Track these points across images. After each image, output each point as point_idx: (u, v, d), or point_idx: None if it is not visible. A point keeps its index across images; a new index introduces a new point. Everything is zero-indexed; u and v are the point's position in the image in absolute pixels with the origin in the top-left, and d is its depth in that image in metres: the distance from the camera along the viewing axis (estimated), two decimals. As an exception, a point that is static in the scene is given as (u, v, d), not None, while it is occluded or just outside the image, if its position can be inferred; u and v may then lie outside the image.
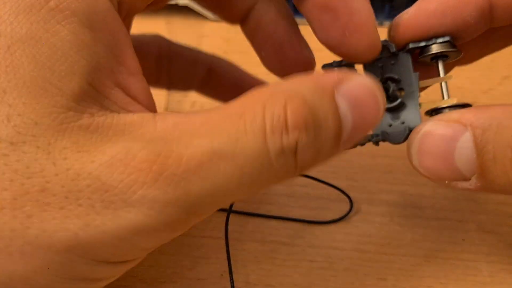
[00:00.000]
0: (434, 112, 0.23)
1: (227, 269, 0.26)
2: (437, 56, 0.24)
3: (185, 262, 0.27)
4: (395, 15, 0.39)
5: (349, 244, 0.28)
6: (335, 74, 0.20)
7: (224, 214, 0.28)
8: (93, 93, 0.18)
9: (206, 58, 0.32)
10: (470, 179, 0.21)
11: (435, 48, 0.23)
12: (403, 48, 0.24)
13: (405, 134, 0.23)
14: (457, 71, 0.37)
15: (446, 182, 0.21)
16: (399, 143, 0.23)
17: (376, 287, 0.27)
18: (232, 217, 0.29)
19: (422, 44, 0.23)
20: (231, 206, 0.28)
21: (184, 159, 0.17)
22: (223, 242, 0.27)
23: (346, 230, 0.29)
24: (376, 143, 0.24)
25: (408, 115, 0.23)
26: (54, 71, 0.18)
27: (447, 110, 0.23)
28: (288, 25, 0.26)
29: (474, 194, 0.30)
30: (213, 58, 0.32)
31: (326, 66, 0.24)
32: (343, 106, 0.19)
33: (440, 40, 0.23)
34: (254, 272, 0.27)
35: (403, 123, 0.23)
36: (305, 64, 0.26)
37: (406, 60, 0.24)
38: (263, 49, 0.27)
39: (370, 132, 0.23)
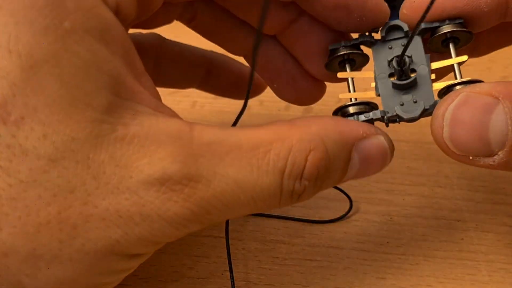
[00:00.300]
0: (448, 89, 0.23)
1: (227, 268, 0.26)
2: (448, 38, 0.23)
3: (186, 261, 0.27)
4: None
5: (348, 243, 0.28)
6: (361, 129, 0.22)
7: (225, 214, 0.28)
8: (122, 103, 0.19)
9: (205, 55, 0.32)
10: (496, 154, 0.21)
11: (446, 28, 0.23)
12: (415, 29, 0.23)
13: (421, 111, 0.23)
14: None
15: (471, 158, 0.21)
16: (414, 120, 0.23)
17: (375, 286, 0.27)
18: (232, 216, 0.29)
19: (435, 25, 0.23)
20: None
21: (211, 186, 0.19)
22: (223, 241, 0.27)
23: (346, 230, 0.29)
24: (387, 124, 0.23)
25: (421, 94, 0.23)
26: (80, 89, 0.18)
27: (460, 86, 0.22)
28: (294, 60, 0.27)
29: (473, 194, 0.30)
30: (212, 54, 0.32)
31: (333, 46, 0.25)
32: (355, 159, 0.22)
33: (452, 21, 0.23)
34: (254, 271, 0.27)
35: (415, 102, 0.23)
36: (317, 91, 0.28)
37: (418, 41, 0.24)
38: (275, 82, 0.28)
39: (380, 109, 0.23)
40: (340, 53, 0.24)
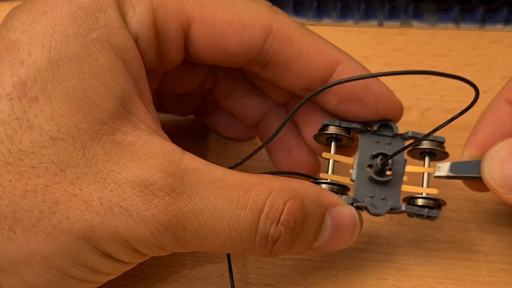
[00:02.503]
0: (411, 199, 0.25)
1: (227, 269, 0.26)
2: (426, 152, 0.26)
3: (186, 261, 0.27)
4: (395, 15, 0.39)
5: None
6: (335, 197, 0.24)
7: (224, 214, 0.28)
8: (126, 115, 0.21)
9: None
10: None
11: (427, 144, 0.26)
12: (402, 134, 0.26)
13: (387, 210, 0.25)
14: (456, 71, 0.37)
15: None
16: (379, 215, 0.25)
17: (376, 286, 0.27)
18: (232, 216, 0.29)
19: (420, 135, 0.26)
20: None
21: (191, 202, 0.21)
22: (223, 241, 0.27)
23: (346, 230, 0.29)
24: (358, 208, 0.25)
25: (391, 193, 0.25)
26: (93, 90, 0.21)
27: (420, 200, 0.25)
28: (296, 130, 0.29)
29: (473, 194, 0.30)
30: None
31: (328, 122, 0.26)
32: (328, 222, 0.24)
33: (435, 139, 0.26)
34: (254, 271, 0.27)
35: (383, 198, 0.25)
36: (310, 166, 0.29)
37: (401, 145, 0.26)
38: (274, 151, 0.29)
39: (350, 200, 0.25)
40: (329, 132, 0.26)
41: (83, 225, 0.20)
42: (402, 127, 0.27)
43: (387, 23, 0.39)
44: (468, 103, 0.33)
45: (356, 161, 0.26)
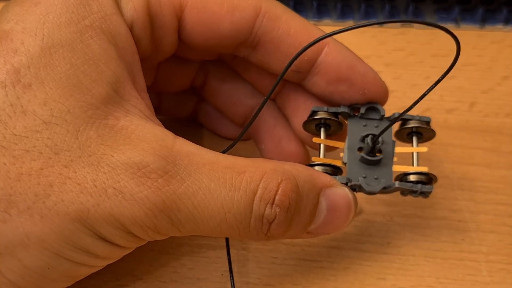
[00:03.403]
0: (404, 176, 0.26)
1: (227, 269, 0.26)
2: (413, 132, 0.27)
3: (186, 261, 0.27)
4: (395, 15, 0.39)
5: (348, 244, 0.28)
6: (328, 178, 0.24)
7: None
8: (119, 100, 0.22)
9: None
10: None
11: (413, 123, 0.26)
12: (389, 116, 0.26)
13: (381, 187, 0.25)
14: (456, 71, 0.37)
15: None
16: (373, 194, 0.25)
17: (376, 286, 0.27)
18: (232, 216, 0.29)
19: (408, 117, 0.26)
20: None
21: (185, 184, 0.21)
22: (223, 241, 0.27)
23: (346, 230, 0.29)
24: (353, 188, 0.25)
25: (383, 173, 0.25)
26: (86, 75, 0.21)
27: (413, 176, 0.25)
28: (285, 121, 0.29)
29: (473, 194, 0.30)
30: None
31: (316, 108, 0.26)
32: (323, 204, 0.24)
33: (421, 119, 0.26)
34: (254, 271, 0.27)
35: (376, 178, 0.25)
36: (300, 158, 0.29)
37: (389, 129, 0.26)
38: (264, 143, 0.29)
39: (344, 181, 0.25)
40: (318, 117, 0.26)
41: (78, 207, 0.20)
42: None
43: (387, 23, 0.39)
44: (468, 103, 0.33)
45: (346, 145, 0.26)
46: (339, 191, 0.24)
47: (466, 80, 0.36)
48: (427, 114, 0.31)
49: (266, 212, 0.22)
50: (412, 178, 0.25)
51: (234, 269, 0.27)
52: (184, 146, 0.22)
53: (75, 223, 0.20)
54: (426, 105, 0.35)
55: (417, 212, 0.30)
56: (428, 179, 0.25)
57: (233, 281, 0.26)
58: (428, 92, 0.24)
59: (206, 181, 0.21)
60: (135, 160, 0.20)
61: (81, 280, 0.26)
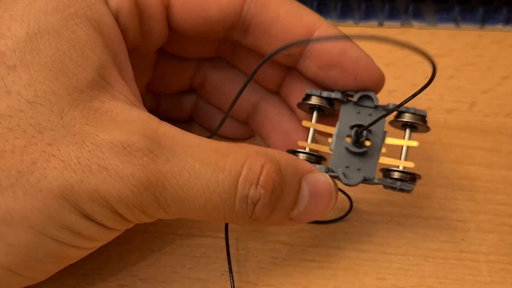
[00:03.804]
0: (387, 171, 0.26)
1: (227, 269, 0.26)
2: (407, 125, 0.26)
3: (186, 261, 0.27)
4: (395, 15, 0.39)
5: (348, 244, 0.28)
6: (309, 165, 0.24)
7: (224, 214, 0.28)
8: (104, 85, 0.22)
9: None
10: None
11: (408, 117, 0.26)
12: (384, 105, 0.26)
13: (359, 180, 0.25)
14: (456, 71, 0.37)
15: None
16: (350, 185, 0.25)
17: (376, 286, 0.27)
18: (232, 216, 0.29)
19: (403, 109, 0.26)
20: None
21: (170, 163, 0.21)
22: (223, 241, 0.27)
23: (346, 230, 0.29)
24: (332, 177, 0.25)
25: (367, 165, 0.25)
26: (71, 60, 0.21)
27: (396, 173, 0.25)
28: (290, 113, 0.29)
29: (473, 194, 0.30)
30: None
31: (310, 92, 0.26)
32: (305, 189, 0.24)
33: (417, 112, 0.26)
34: (254, 271, 0.27)
35: (358, 169, 0.25)
36: None
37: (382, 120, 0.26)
38: (271, 138, 0.30)
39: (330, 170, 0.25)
40: (311, 102, 0.26)
41: (61, 184, 0.20)
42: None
43: (387, 23, 0.39)
44: (468, 103, 0.33)
45: (335, 131, 0.26)
46: (321, 177, 0.24)
47: (466, 80, 0.36)
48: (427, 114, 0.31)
49: (250, 193, 0.22)
50: (395, 175, 0.25)
51: (234, 269, 0.27)
52: (169, 129, 0.22)
53: (58, 199, 0.20)
54: (426, 104, 0.35)
55: (417, 212, 0.30)
56: (411, 178, 0.25)
57: (233, 281, 0.26)
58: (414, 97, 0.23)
59: (191, 161, 0.21)
60: (120, 139, 0.21)
61: (81, 280, 0.26)
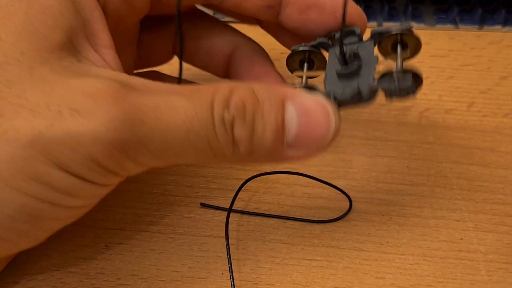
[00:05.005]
0: (385, 75, 0.23)
1: (227, 268, 0.26)
2: (397, 42, 0.25)
3: (186, 261, 0.28)
4: (395, 15, 0.39)
5: (348, 243, 0.28)
6: (296, 90, 0.23)
7: (225, 214, 0.28)
8: (73, 49, 0.22)
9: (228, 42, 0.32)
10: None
11: (395, 30, 0.24)
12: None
13: (354, 91, 0.23)
14: (455, 71, 0.37)
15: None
16: (345, 99, 0.24)
17: (375, 285, 0.27)
18: (233, 216, 0.29)
19: (384, 29, 0.25)
20: (231, 205, 0.28)
21: (145, 98, 0.21)
22: (223, 241, 0.27)
23: (345, 229, 0.29)
24: (333, 99, 0.24)
25: (361, 82, 0.24)
26: (42, 22, 0.21)
27: (396, 74, 0.23)
28: (263, 58, 0.29)
29: (472, 194, 0.30)
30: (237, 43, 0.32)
31: (295, 47, 0.26)
32: (291, 110, 0.22)
33: (402, 25, 0.24)
34: (254, 271, 0.27)
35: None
36: None
37: (369, 47, 0.25)
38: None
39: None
40: (301, 49, 0.26)
41: (29, 132, 0.19)
42: (400, 127, 0.27)
43: (386, 24, 0.39)
44: (467, 103, 0.33)
45: (325, 73, 0.25)
46: (309, 96, 0.22)
47: (464, 80, 0.36)
48: (426, 114, 0.31)
49: (225, 116, 0.21)
50: (393, 75, 0.23)
51: (234, 268, 0.27)
52: (140, 78, 0.22)
53: (26, 149, 0.19)
54: (425, 105, 0.35)
55: (416, 212, 0.30)
56: (413, 75, 0.23)
57: (233, 280, 0.26)
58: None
59: (166, 95, 0.21)
60: (91, 82, 0.20)
61: (81, 279, 0.27)
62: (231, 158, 0.22)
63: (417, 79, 0.24)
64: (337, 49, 0.25)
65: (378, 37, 0.25)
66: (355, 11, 0.26)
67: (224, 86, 0.22)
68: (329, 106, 0.22)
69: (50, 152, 0.19)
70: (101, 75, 0.21)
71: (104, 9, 0.24)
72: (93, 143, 0.19)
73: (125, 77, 0.22)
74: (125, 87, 0.20)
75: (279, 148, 0.22)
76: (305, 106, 0.22)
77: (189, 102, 0.21)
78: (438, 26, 0.39)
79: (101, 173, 0.20)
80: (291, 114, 0.22)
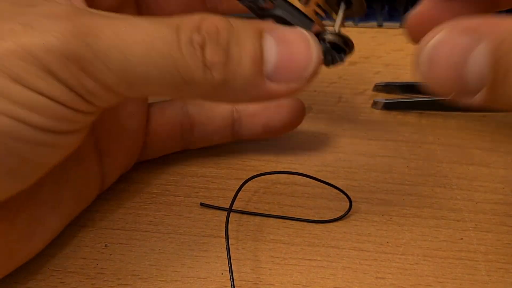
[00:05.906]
0: (318, 34, 0.23)
1: (227, 268, 0.26)
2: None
3: (186, 261, 0.28)
4: (395, 16, 0.39)
5: (348, 243, 0.28)
6: (273, 23, 0.22)
7: (224, 213, 0.28)
8: None
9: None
10: (476, 94, 0.19)
11: None
12: None
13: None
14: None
15: (452, 94, 0.20)
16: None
17: (375, 285, 0.27)
18: (232, 216, 0.29)
19: None
20: (231, 205, 0.28)
21: (101, 15, 0.20)
22: (223, 241, 0.27)
23: (345, 229, 0.29)
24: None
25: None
26: None
27: (329, 35, 0.23)
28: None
29: (472, 194, 0.30)
30: None
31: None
32: (269, 40, 0.21)
33: None
34: (254, 271, 0.27)
35: None
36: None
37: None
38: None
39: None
40: None
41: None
42: (400, 127, 0.27)
43: (387, 24, 0.39)
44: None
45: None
46: (288, 28, 0.22)
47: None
48: (425, 114, 0.31)
49: (194, 38, 0.20)
50: (327, 36, 0.23)
51: (234, 268, 0.27)
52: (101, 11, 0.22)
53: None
54: (425, 105, 0.35)
55: (416, 212, 0.30)
56: (343, 42, 0.23)
57: (233, 281, 0.26)
58: None
59: (125, 16, 0.21)
60: (48, 6, 0.20)
61: (81, 279, 0.27)
62: (204, 85, 0.21)
63: (347, 46, 0.23)
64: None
65: None
66: None
67: (195, 15, 0.21)
68: (309, 36, 0.21)
69: (4, 64, 0.19)
70: (60, 3, 0.21)
71: None
72: (46, 54, 0.19)
73: (85, 6, 0.22)
74: (81, 11, 0.21)
75: (258, 79, 0.21)
76: (284, 35, 0.21)
77: (150, 24, 0.20)
78: (438, 26, 0.39)
79: (60, 88, 0.20)
80: (270, 43, 0.21)
